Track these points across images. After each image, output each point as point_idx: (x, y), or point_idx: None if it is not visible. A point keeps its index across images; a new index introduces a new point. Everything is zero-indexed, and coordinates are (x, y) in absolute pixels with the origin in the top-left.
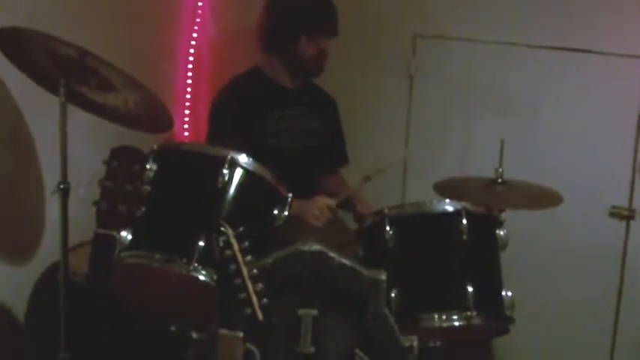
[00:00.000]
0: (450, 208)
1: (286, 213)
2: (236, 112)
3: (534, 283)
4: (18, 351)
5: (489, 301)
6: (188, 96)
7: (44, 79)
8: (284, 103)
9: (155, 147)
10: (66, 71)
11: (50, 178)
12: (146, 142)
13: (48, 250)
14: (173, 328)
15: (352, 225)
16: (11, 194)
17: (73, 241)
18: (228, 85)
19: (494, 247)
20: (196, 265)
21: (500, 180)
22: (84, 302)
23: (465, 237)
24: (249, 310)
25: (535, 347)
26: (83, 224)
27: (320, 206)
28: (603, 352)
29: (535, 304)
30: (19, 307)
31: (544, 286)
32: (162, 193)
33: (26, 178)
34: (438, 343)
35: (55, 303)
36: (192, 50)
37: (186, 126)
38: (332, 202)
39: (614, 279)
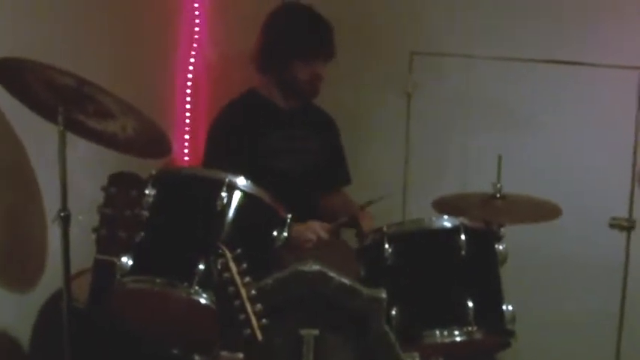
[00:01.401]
0: (448, 224)
1: (285, 234)
2: (233, 135)
3: (536, 297)
4: None
5: (490, 315)
6: (187, 120)
7: (43, 108)
8: (281, 124)
9: (153, 172)
10: (64, 100)
11: (51, 206)
12: (146, 167)
13: (51, 278)
14: (176, 351)
15: (354, 244)
16: (13, 223)
17: (75, 268)
18: (224, 109)
19: (493, 261)
20: (197, 288)
21: (499, 195)
22: (87, 329)
23: (463, 252)
24: (248, 331)
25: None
26: (85, 251)
27: (314, 229)
28: None
29: (537, 318)
30: (24, 335)
31: (546, 299)
32: (161, 217)
33: (27, 207)
34: (441, 359)
35: (59, 330)
36: (190, 75)
37: (186, 150)
38: (323, 232)
39: (616, 290)
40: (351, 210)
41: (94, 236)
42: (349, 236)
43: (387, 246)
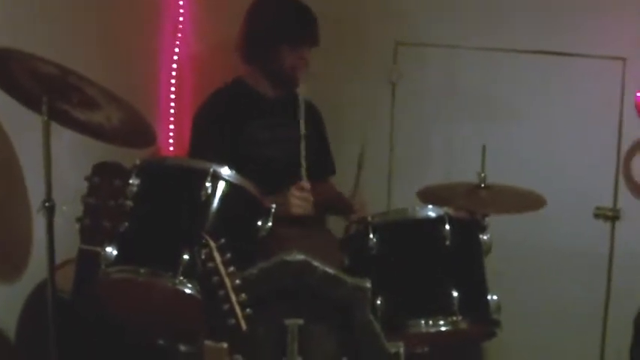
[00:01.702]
0: (432, 214)
1: (270, 224)
2: (218, 124)
3: (521, 286)
4: None
5: (475, 305)
6: (172, 111)
7: (27, 98)
8: (266, 113)
9: (137, 162)
10: (48, 89)
11: (35, 196)
12: (131, 157)
13: (36, 268)
14: (161, 341)
15: (339, 234)
16: None
17: (60, 258)
18: (209, 98)
19: (478, 251)
20: (182, 278)
21: (483, 185)
22: (72, 319)
23: (448, 242)
24: (233, 321)
25: (524, 350)
26: (69, 241)
27: (293, 193)
28: (593, 353)
29: (523, 307)
30: (10, 326)
31: (531, 288)
32: (146, 207)
33: (11, 198)
34: (426, 349)
35: (44, 320)
36: (174, 65)
37: (171, 141)
38: (304, 183)
39: (602, 279)
40: (340, 197)
41: (78, 226)
42: (334, 226)
43: (371, 236)
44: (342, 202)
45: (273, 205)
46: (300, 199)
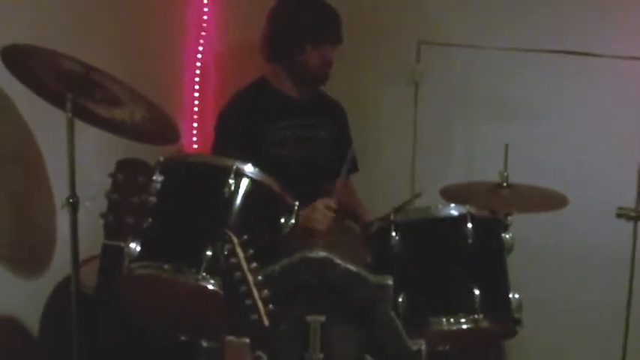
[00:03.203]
0: (455, 213)
1: (293, 221)
2: (242, 123)
3: (543, 286)
4: None
5: (496, 303)
6: (196, 109)
7: (51, 95)
8: (290, 113)
9: (161, 159)
10: (72, 86)
11: (59, 192)
12: (154, 154)
13: (60, 264)
14: (183, 337)
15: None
16: (22, 210)
17: (84, 254)
18: (234, 97)
19: (500, 250)
20: (204, 274)
21: (505, 184)
22: (96, 314)
23: (470, 240)
24: (255, 317)
25: (545, 349)
26: (93, 238)
27: (319, 209)
28: (614, 354)
29: (544, 306)
30: (33, 321)
31: (553, 288)
32: (169, 204)
33: (36, 194)
34: (447, 347)
35: (68, 316)
36: (198, 63)
37: (194, 138)
38: (330, 202)
39: (623, 280)
40: (353, 201)
41: (101, 222)
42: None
43: (393, 233)
44: (353, 215)
45: (297, 203)
46: (323, 217)
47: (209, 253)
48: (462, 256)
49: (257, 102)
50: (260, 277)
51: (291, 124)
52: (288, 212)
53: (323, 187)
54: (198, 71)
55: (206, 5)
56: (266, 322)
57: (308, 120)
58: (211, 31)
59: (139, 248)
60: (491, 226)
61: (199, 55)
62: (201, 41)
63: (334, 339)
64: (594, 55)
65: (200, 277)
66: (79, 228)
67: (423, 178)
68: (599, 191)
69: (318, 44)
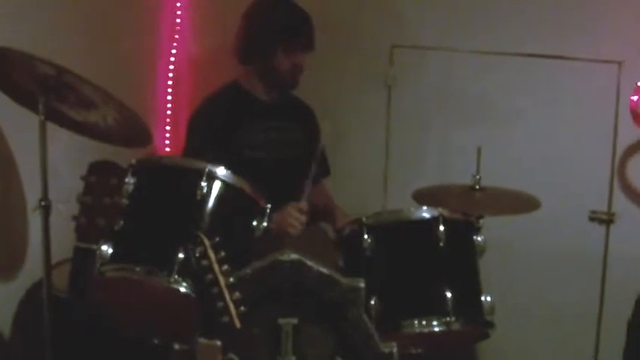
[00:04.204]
0: (427, 215)
1: (265, 224)
2: (213, 125)
3: (515, 288)
4: None
5: (468, 306)
6: (169, 112)
7: (23, 98)
8: (262, 115)
9: (133, 161)
10: (44, 89)
11: (32, 195)
12: (127, 157)
13: (32, 267)
14: (155, 339)
15: (332, 234)
16: None
17: (56, 257)
18: (205, 99)
19: (472, 252)
20: (177, 277)
21: (478, 187)
22: (68, 318)
23: (442, 243)
24: (226, 319)
25: (518, 351)
26: (66, 241)
27: (291, 213)
28: (586, 355)
29: (516, 309)
30: (5, 324)
31: (525, 290)
32: (141, 206)
33: (8, 197)
34: (420, 350)
35: (39, 319)
36: (172, 66)
37: (167, 142)
38: (302, 205)
39: (596, 283)
40: (328, 203)
41: (74, 225)
42: (327, 226)
43: (365, 236)
44: (327, 215)
45: (269, 205)
46: (296, 221)
47: (181, 255)
48: (434, 259)
49: (228, 105)
50: (232, 280)
51: (263, 126)
52: (261, 215)
53: (296, 191)
54: (171, 74)
55: (179, 8)
56: (238, 325)
57: (279, 122)
58: (185, 34)
59: (110, 250)
60: (463, 229)
61: (172, 59)
62: (175, 44)
63: (306, 341)
64: (567, 59)
65: (172, 279)
66: (51, 231)
67: (395, 180)
68: (571, 194)
69: (289, 50)
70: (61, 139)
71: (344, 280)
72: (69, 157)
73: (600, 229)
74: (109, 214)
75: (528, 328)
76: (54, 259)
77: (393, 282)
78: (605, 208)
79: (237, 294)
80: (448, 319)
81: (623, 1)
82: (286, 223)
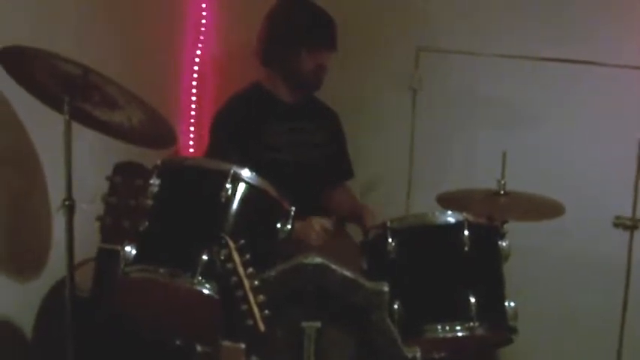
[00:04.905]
0: (451, 220)
1: (289, 226)
2: (236, 127)
3: (539, 294)
4: None
5: (492, 311)
6: (193, 112)
7: (48, 98)
8: (284, 118)
9: (158, 162)
10: (70, 89)
11: (56, 195)
12: (151, 158)
13: (55, 267)
14: (178, 341)
15: (358, 238)
16: (18, 212)
17: (79, 257)
18: (228, 101)
19: (496, 257)
20: (200, 278)
21: (502, 191)
22: (90, 318)
23: (466, 248)
24: (250, 322)
25: (540, 357)
26: (89, 241)
27: (316, 229)
28: None
29: (540, 315)
30: (27, 324)
31: (548, 296)
32: (166, 207)
33: (32, 196)
34: (442, 355)
35: (62, 319)
36: (196, 67)
37: (191, 142)
38: (327, 224)
39: (619, 289)
40: (354, 205)
41: (98, 225)
42: (353, 230)
43: (390, 240)
44: (354, 217)
45: (293, 208)
46: (318, 237)
47: (205, 257)
48: (458, 264)
49: (250, 107)
50: (256, 283)
51: (285, 128)
52: (285, 217)
53: (322, 192)
54: (195, 75)
55: (205, 9)
56: (262, 328)
57: (302, 124)
58: (209, 34)
59: (134, 252)
60: (487, 234)
61: (197, 59)
62: (200, 45)
63: (329, 345)
64: (594, 64)
65: (195, 281)
66: (74, 231)
67: (420, 184)
68: (596, 200)
69: (312, 50)
70: (85, 139)
71: (368, 284)
72: (93, 157)
73: (624, 235)
74: (133, 216)
75: (551, 333)
76: (77, 259)
77: (416, 286)
78: (629, 214)
79: (261, 297)
80: (472, 324)
81: None
82: (309, 237)
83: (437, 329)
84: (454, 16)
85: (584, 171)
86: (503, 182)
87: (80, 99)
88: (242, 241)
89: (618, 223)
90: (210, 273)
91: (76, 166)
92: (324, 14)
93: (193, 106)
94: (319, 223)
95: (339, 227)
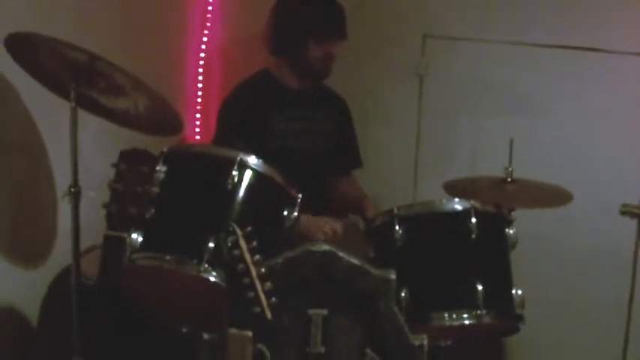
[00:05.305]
0: (459, 207)
1: (296, 214)
2: (244, 114)
3: (545, 282)
4: (31, 355)
5: (499, 299)
6: (199, 99)
7: (55, 84)
8: (292, 105)
9: (165, 149)
10: (76, 76)
11: (62, 182)
12: (157, 145)
13: (60, 254)
14: (184, 329)
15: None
16: (24, 199)
17: (85, 244)
18: (236, 88)
19: (503, 245)
20: (206, 265)
21: (509, 179)
22: (96, 305)
23: (474, 236)
24: (257, 309)
25: (547, 346)
26: (95, 228)
27: (325, 231)
28: (616, 351)
29: (546, 303)
30: (32, 311)
31: (555, 284)
32: (172, 194)
33: (38, 183)
34: (449, 342)
35: (67, 307)
36: (202, 54)
37: (197, 129)
38: (338, 228)
39: (626, 277)
40: (358, 195)
41: (104, 212)
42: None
43: (397, 227)
44: (357, 208)
45: (300, 195)
46: (325, 236)
47: (211, 244)
48: (465, 251)
49: (258, 94)
50: (263, 270)
51: (293, 116)
52: (292, 204)
53: (329, 181)
54: (202, 62)
55: None
56: (268, 315)
57: (310, 112)
58: (216, 22)
59: (141, 239)
60: (495, 222)
61: (203, 46)
62: (206, 32)
63: (336, 332)
64: (602, 51)
65: (202, 268)
66: (80, 218)
67: (426, 172)
68: (603, 188)
69: (321, 39)
70: (91, 125)
71: (375, 272)
72: (99, 144)
73: (631, 223)
74: (139, 203)
75: (556, 322)
76: (83, 246)
77: (423, 274)
78: (636, 202)
79: (268, 284)
80: (479, 312)
81: None
82: (315, 235)
83: (444, 317)
84: (461, 2)
85: (591, 158)
86: (510, 170)
87: (86, 86)
88: (249, 228)
89: (625, 211)
90: (216, 260)
91: (82, 153)
92: (333, 3)
93: (199, 93)
94: (329, 225)
95: (349, 229)
